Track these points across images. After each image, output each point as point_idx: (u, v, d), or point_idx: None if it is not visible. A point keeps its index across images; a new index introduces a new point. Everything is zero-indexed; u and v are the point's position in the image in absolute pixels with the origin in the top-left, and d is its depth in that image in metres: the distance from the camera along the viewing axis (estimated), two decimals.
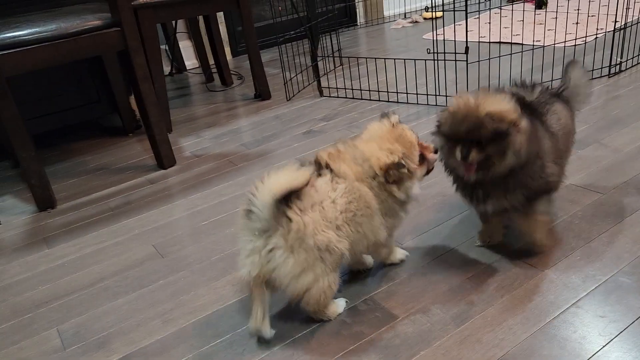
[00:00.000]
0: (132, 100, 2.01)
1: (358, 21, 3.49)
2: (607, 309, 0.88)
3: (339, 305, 0.97)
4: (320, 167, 0.93)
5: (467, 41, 1.72)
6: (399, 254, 1.07)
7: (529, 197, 0.95)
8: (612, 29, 1.95)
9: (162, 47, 2.82)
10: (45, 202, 1.49)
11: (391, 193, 0.93)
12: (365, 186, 0.92)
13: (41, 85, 1.85)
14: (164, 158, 1.66)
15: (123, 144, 1.93)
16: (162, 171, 1.66)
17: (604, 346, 0.81)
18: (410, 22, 3.28)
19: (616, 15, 1.90)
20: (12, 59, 1.33)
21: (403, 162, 0.92)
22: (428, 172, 1.00)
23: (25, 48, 1.34)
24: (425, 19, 3.32)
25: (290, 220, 0.84)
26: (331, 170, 0.91)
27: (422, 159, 0.97)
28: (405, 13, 3.57)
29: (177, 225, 1.34)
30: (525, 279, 0.97)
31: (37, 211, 1.50)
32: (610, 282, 0.94)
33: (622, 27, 1.94)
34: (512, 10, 2.57)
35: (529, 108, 0.97)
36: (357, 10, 3.46)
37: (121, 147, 1.90)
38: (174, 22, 2.63)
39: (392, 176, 0.92)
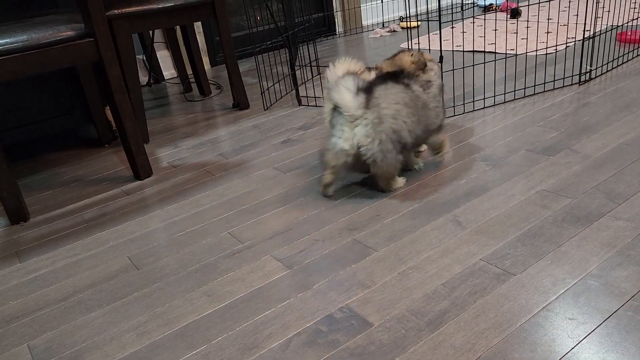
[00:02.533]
0: (108, 111, 1.99)
1: (337, 30, 3.52)
2: (576, 311, 0.90)
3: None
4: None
5: (441, 50, 1.74)
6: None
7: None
8: (582, 37, 1.99)
9: (140, 57, 2.81)
10: (17, 215, 1.46)
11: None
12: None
13: (14, 96, 1.83)
14: (140, 169, 1.65)
15: (99, 155, 1.92)
16: (139, 182, 1.65)
17: (572, 348, 0.82)
18: (389, 32, 3.32)
19: (585, 24, 1.95)
20: None
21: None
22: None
23: None
24: (402, 28, 3.37)
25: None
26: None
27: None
28: (383, 23, 3.61)
29: (153, 237, 1.32)
30: (498, 283, 0.99)
31: (9, 224, 1.47)
32: (579, 284, 0.96)
33: (592, 36, 1.99)
34: (486, 19, 2.62)
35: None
36: (336, 19, 3.49)
37: (97, 159, 1.89)
38: (151, 32, 2.63)
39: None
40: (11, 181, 1.43)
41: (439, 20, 1.69)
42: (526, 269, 1.01)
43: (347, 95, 1.24)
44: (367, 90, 1.26)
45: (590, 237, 1.08)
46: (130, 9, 1.83)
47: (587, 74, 2.00)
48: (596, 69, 2.05)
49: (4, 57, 1.34)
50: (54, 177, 1.77)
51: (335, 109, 1.28)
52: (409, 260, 1.09)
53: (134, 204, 1.51)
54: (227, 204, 1.44)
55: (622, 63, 2.13)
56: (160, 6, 1.90)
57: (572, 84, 1.98)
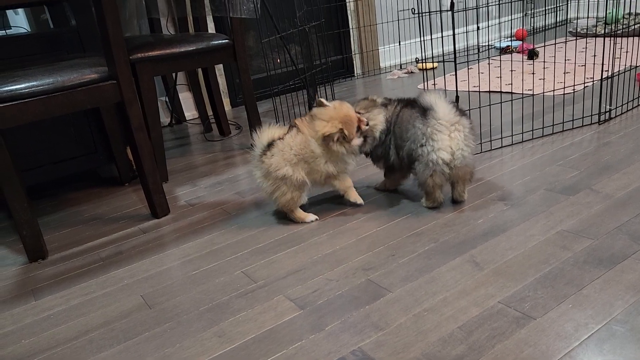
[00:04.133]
0: (129, 150, 2.04)
1: (355, 72, 3.57)
2: (601, 359, 0.85)
3: (308, 216, 1.50)
4: (294, 127, 1.46)
5: (457, 90, 1.76)
6: (357, 198, 1.53)
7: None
8: (601, 78, 1.99)
9: (162, 98, 2.89)
10: (36, 253, 1.48)
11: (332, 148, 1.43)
12: (314, 141, 1.43)
13: (39, 136, 1.89)
14: (158, 207, 1.67)
15: (118, 194, 1.94)
16: (156, 220, 1.66)
17: None
18: (406, 73, 3.37)
19: (602, 64, 1.94)
20: (8, 112, 1.36)
21: (338, 133, 1.41)
22: (363, 136, 1.47)
23: (22, 101, 1.37)
24: (420, 69, 3.41)
25: (263, 162, 1.43)
26: (298, 129, 1.45)
27: (359, 128, 1.45)
28: (401, 64, 3.66)
29: (167, 275, 1.32)
30: (517, 327, 0.95)
31: (28, 262, 1.49)
32: (603, 330, 0.91)
33: (611, 76, 1.98)
34: (503, 61, 2.63)
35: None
36: (354, 61, 3.55)
37: (116, 197, 1.91)
38: (173, 74, 2.71)
39: (328, 140, 1.41)
40: (32, 220, 1.46)
41: (455, 61, 1.71)
42: (547, 313, 0.98)
43: (444, 103, 1.37)
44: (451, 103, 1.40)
45: (614, 280, 1.04)
46: (153, 53, 1.90)
47: (607, 114, 1.98)
48: (615, 108, 2.03)
49: (30, 100, 1.39)
50: (73, 216, 1.80)
51: (415, 125, 1.39)
52: (424, 302, 1.06)
53: (150, 242, 1.51)
54: (242, 243, 1.43)
55: None
56: (182, 50, 1.96)
57: (591, 124, 1.96)
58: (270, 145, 1.43)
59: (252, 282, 1.23)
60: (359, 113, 1.48)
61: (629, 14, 2.64)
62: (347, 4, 3.40)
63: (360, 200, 1.54)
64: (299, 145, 1.43)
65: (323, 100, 1.47)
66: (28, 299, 1.30)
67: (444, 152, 1.35)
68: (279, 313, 1.10)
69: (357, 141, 1.46)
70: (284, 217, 1.54)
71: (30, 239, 1.47)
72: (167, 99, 2.88)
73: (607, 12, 3.46)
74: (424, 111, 1.38)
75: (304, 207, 1.53)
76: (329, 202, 1.62)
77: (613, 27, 3.21)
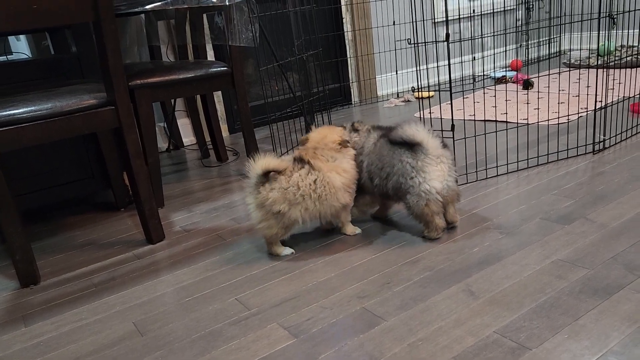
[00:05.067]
0: (126, 175, 2.04)
1: (353, 100, 3.61)
2: None
3: (285, 250, 1.47)
4: (302, 161, 1.42)
5: (452, 119, 1.77)
6: (355, 229, 1.54)
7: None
8: (595, 108, 2.01)
9: (161, 124, 2.91)
10: (28, 278, 1.47)
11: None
12: (334, 174, 1.42)
13: (35, 161, 1.89)
14: (153, 233, 1.66)
15: (113, 219, 1.94)
16: (150, 246, 1.66)
17: None
18: (403, 101, 3.40)
19: (596, 95, 1.97)
20: (5, 136, 1.37)
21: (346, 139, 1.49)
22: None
23: (20, 126, 1.38)
24: (416, 98, 3.45)
25: (259, 192, 1.38)
26: (311, 166, 1.41)
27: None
28: (397, 93, 3.71)
29: (160, 302, 1.31)
30: (513, 358, 0.94)
31: (19, 287, 1.47)
32: None
33: (604, 106, 2.01)
34: (498, 90, 2.67)
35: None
36: (352, 89, 3.60)
37: (111, 222, 1.91)
38: (172, 100, 2.73)
39: (345, 144, 1.47)
40: (25, 245, 1.45)
41: (450, 90, 1.73)
42: (542, 344, 0.97)
43: (429, 136, 1.40)
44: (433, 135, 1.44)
45: (609, 311, 1.04)
46: (152, 79, 1.92)
47: (601, 144, 2.00)
48: (609, 138, 2.05)
49: (28, 124, 1.40)
50: (67, 241, 1.79)
51: (406, 158, 1.41)
52: (419, 331, 1.05)
53: (144, 268, 1.50)
54: (236, 270, 1.43)
55: (636, 133, 2.13)
56: (181, 77, 1.98)
57: (585, 153, 1.97)
58: (267, 175, 1.38)
59: (246, 310, 1.22)
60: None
61: (622, 46, 2.69)
62: (345, 34, 3.46)
63: (358, 230, 1.55)
64: (309, 186, 1.39)
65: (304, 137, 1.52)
66: (18, 325, 1.28)
67: (436, 182, 1.38)
68: (272, 341, 1.08)
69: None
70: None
71: (22, 264, 1.45)
72: (165, 125, 2.90)
73: (600, 44, 3.53)
74: (411, 146, 1.40)
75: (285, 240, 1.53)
76: (323, 233, 1.61)
77: (606, 59, 3.27)
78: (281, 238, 1.46)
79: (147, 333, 1.18)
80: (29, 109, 1.41)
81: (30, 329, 1.26)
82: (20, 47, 2.42)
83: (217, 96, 3.04)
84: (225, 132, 3.12)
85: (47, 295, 1.42)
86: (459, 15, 3.83)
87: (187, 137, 3.01)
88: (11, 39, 2.39)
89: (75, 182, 1.99)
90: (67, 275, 1.52)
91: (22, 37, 2.39)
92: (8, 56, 2.36)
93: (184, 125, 2.99)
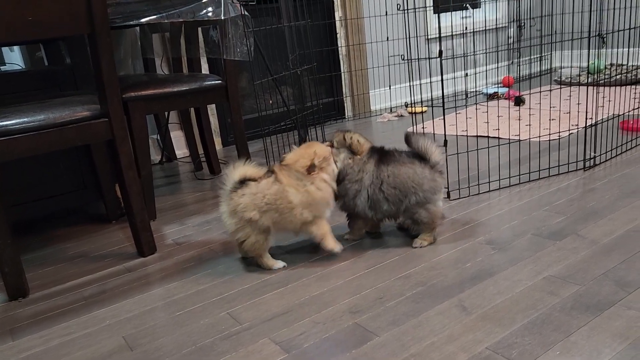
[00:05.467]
0: (118, 187, 2.03)
1: (346, 114, 3.63)
2: None
3: (277, 263, 1.46)
4: (272, 172, 1.41)
5: (445, 134, 1.79)
6: (333, 245, 1.45)
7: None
8: (585, 125, 2.04)
9: (154, 136, 2.90)
10: (17, 291, 1.45)
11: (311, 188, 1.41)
12: (293, 190, 1.39)
13: (27, 172, 1.88)
14: (144, 246, 1.65)
15: (105, 232, 1.92)
16: (142, 259, 1.64)
17: None
18: (396, 116, 3.42)
19: (587, 112, 2.00)
20: None
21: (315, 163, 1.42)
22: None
23: (12, 137, 1.37)
24: (409, 113, 3.47)
25: (232, 198, 1.39)
26: (276, 177, 1.40)
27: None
28: (391, 107, 3.73)
29: (151, 316, 1.30)
30: None
31: (7, 300, 1.45)
32: None
33: (595, 124, 2.04)
34: (490, 106, 2.69)
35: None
36: (345, 104, 3.62)
37: (102, 235, 1.89)
38: (166, 113, 2.73)
39: (312, 169, 1.41)
40: (14, 257, 1.43)
41: (443, 106, 1.75)
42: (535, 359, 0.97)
43: (435, 148, 1.49)
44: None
45: (601, 327, 1.04)
46: (146, 92, 1.92)
47: (592, 160, 2.02)
48: (600, 155, 2.07)
49: (20, 135, 1.39)
50: (58, 253, 1.77)
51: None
52: (411, 347, 1.05)
53: (135, 282, 1.49)
54: (228, 283, 1.42)
55: (626, 150, 2.15)
56: (175, 89, 1.99)
57: (577, 170, 1.99)
58: (242, 182, 1.39)
59: (237, 324, 1.21)
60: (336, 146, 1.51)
61: (611, 64, 2.73)
62: (339, 49, 3.49)
63: (337, 248, 1.46)
64: (273, 195, 1.38)
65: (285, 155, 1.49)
66: (5, 339, 1.26)
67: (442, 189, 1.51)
68: (263, 357, 1.07)
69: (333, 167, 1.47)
70: (272, 257, 1.53)
71: (11, 276, 1.44)
72: (158, 137, 2.89)
73: (590, 62, 3.58)
74: (422, 158, 1.48)
75: (273, 254, 1.53)
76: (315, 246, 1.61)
77: (596, 77, 3.31)
78: (266, 247, 1.43)
79: (137, 347, 1.16)
80: (22, 120, 1.40)
81: (18, 342, 1.24)
82: (14, 58, 2.42)
83: (211, 109, 3.04)
84: (218, 144, 3.12)
85: (36, 308, 1.40)
86: (452, 32, 3.87)
87: (180, 150, 3.01)
88: (4, 49, 2.38)
89: (67, 193, 1.98)
90: (57, 288, 1.51)
91: (15, 47, 2.39)
92: (1, 67, 2.35)
93: (177, 138, 2.99)
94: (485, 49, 3.69)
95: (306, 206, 1.40)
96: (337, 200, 1.52)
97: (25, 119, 1.41)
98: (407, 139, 1.52)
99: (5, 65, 2.38)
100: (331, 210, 1.48)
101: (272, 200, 1.38)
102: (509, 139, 2.06)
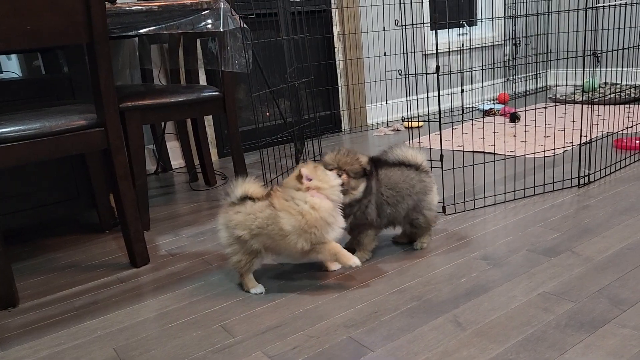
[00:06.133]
0: (112, 197, 2.02)
1: (343, 128, 3.64)
2: None
3: (256, 287, 1.41)
4: (269, 195, 1.36)
5: (441, 149, 1.79)
6: (349, 258, 1.33)
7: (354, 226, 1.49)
8: (580, 143, 2.05)
9: (150, 146, 2.90)
10: (6, 300, 1.43)
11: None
12: (287, 217, 1.30)
13: (20, 180, 1.87)
14: (138, 256, 1.64)
15: (97, 241, 1.91)
16: (134, 270, 1.63)
17: None
18: (392, 130, 3.44)
19: (581, 130, 2.01)
20: None
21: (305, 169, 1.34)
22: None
23: (7, 145, 1.37)
24: (405, 127, 3.48)
25: (227, 212, 1.37)
26: (270, 202, 1.33)
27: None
28: (387, 122, 3.75)
29: (143, 327, 1.28)
30: None
31: None
32: None
33: (589, 141, 2.05)
34: (486, 122, 2.71)
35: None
36: (342, 117, 3.63)
37: (95, 245, 1.88)
38: (162, 123, 2.73)
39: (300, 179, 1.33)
40: (5, 266, 1.42)
41: (439, 121, 1.76)
42: None
43: (421, 155, 1.54)
44: None
45: (595, 345, 1.04)
46: (143, 102, 1.92)
47: (586, 178, 2.03)
48: (594, 172, 2.08)
49: (16, 143, 1.38)
50: (49, 262, 1.75)
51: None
52: None
53: (127, 293, 1.47)
54: (221, 295, 1.40)
55: (620, 168, 2.17)
56: (172, 100, 1.99)
57: (571, 187, 2.00)
58: (243, 199, 1.36)
59: (230, 337, 1.20)
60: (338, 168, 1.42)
61: (605, 83, 2.76)
62: (337, 63, 3.51)
63: (355, 260, 1.33)
64: (264, 220, 1.31)
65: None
66: None
67: (437, 194, 1.57)
68: None
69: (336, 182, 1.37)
70: (267, 270, 1.52)
71: (1, 285, 1.42)
72: (154, 147, 2.89)
73: (585, 80, 3.62)
74: (417, 166, 1.53)
75: (266, 265, 1.52)
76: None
77: (590, 95, 3.35)
78: (249, 269, 1.38)
79: None
80: (17, 127, 1.39)
81: (7, 353, 1.22)
82: (11, 66, 2.42)
83: (208, 120, 3.04)
84: (214, 156, 3.11)
85: (26, 318, 1.38)
86: (449, 48, 3.91)
87: (176, 160, 3.00)
88: (2, 57, 2.38)
89: (60, 202, 1.96)
90: (48, 298, 1.49)
91: (13, 56, 2.39)
92: None
93: (173, 148, 2.99)
94: (482, 66, 3.72)
95: (301, 233, 1.29)
96: (347, 218, 1.43)
97: (21, 127, 1.40)
98: (384, 156, 1.55)
99: (2, 73, 2.38)
100: (340, 232, 1.35)
101: (263, 224, 1.31)
102: (505, 155, 2.07)
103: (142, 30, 1.82)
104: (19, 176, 1.86)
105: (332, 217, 1.32)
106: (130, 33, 1.82)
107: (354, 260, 1.33)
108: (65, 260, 1.76)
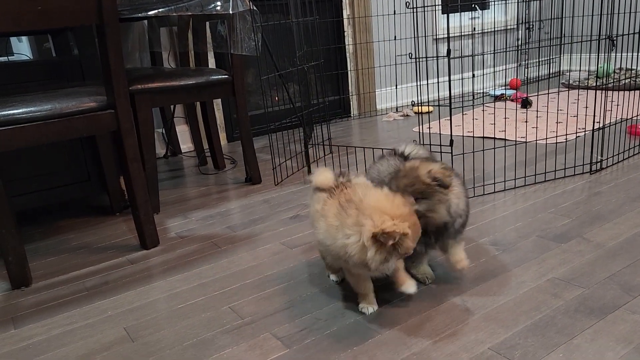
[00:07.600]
0: (122, 180, 2.03)
1: (352, 113, 3.62)
2: None
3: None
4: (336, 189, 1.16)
5: (451, 134, 1.78)
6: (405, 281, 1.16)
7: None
8: (592, 129, 2.02)
9: (159, 130, 2.90)
10: (20, 280, 1.45)
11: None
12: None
13: (32, 162, 1.88)
14: (147, 238, 1.65)
15: (108, 224, 1.93)
16: (144, 251, 1.64)
17: None
18: (402, 116, 3.42)
19: (594, 116, 1.98)
20: (3, 136, 1.36)
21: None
22: None
23: (18, 126, 1.38)
24: (415, 113, 3.46)
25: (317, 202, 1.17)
26: (340, 202, 1.11)
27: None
28: (397, 107, 3.72)
29: (153, 308, 1.29)
30: None
31: (10, 289, 1.45)
32: None
33: (602, 127, 2.02)
34: (497, 108, 2.68)
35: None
36: (351, 102, 3.61)
37: (106, 227, 1.89)
38: (172, 107, 2.73)
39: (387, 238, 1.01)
40: (18, 247, 1.43)
41: (450, 106, 1.74)
42: None
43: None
44: None
45: (604, 331, 1.03)
46: (152, 85, 1.92)
47: (598, 164, 2.01)
48: (607, 159, 2.06)
49: (27, 125, 1.39)
50: (61, 243, 1.77)
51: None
52: (413, 346, 1.04)
53: (137, 274, 1.49)
54: (230, 277, 1.41)
55: (633, 155, 2.14)
56: (182, 83, 1.99)
57: (583, 173, 1.98)
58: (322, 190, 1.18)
59: (239, 318, 1.21)
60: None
61: (620, 68, 2.72)
62: (347, 47, 3.48)
63: (412, 287, 1.16)
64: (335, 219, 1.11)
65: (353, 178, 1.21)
66: (7, 327, 1.26)
67: None
68: (264, 351, 1.07)
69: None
70: (275, 253, 1.53)
71: (15, 265, 1.44)
72: (163, 131, 2.89)
73: (599, 66, 3.56)
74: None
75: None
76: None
77: (604, 81, 3.29)
78: (329, 268, 1.31)
79: (138, 339, 1.16)
80: (28, 109, 1.40)
81: (20, 331, 1.24)
82: (22, 49, 2.42)
83: (217, 104, 3.04)
84: (223, 140, 3.11)
85: (39, 297, 1.40)
86: (461, 32, 3.86)
87: (185, 144, 3.01)
88: (13, 39, 2.39)
89: (71, 184, 1.98)
90: (60, 278, 1.51)
91: (23, 38, 2.40)
92: (9, 57, 2.36)
93: (183, 132, 2.99)
94: (494, 50, 3.68)
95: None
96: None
97: (32, 109, 1.41)
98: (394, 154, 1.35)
99: (13, 55, 2.39)
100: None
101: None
102: (515, 140, 2.05)
103: (151, 12, 1.81)
104: (32, 159, 1.87)
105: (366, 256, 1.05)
106: (139, 15, 1.82)
107: (408, 287, 1.17)
108: (76, 241, 1.78)
